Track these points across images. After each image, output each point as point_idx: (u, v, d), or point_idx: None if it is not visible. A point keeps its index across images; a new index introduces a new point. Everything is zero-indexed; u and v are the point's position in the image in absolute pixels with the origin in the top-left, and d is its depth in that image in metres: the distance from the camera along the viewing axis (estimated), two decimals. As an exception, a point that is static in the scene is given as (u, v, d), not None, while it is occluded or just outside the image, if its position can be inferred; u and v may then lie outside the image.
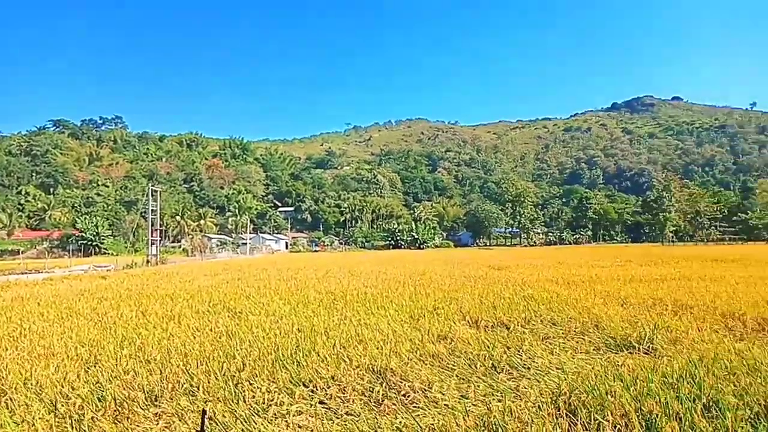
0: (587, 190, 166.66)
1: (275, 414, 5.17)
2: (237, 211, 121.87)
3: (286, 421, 5.00)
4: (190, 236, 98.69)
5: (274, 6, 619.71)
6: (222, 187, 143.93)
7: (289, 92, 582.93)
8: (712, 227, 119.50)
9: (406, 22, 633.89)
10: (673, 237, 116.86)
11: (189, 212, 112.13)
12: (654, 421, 4.35)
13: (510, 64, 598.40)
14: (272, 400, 5.45)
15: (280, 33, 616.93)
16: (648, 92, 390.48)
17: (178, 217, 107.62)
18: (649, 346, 7.36)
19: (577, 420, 4.54)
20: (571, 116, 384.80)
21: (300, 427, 4.91)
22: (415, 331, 8.66)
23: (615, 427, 4.37)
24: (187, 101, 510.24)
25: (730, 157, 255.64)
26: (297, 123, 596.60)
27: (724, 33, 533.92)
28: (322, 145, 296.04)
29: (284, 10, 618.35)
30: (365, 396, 5.71)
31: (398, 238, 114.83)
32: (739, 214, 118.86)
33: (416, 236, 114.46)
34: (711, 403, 4.62)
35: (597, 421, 4.44)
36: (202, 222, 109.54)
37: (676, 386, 5.00)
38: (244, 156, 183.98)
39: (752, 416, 4.41)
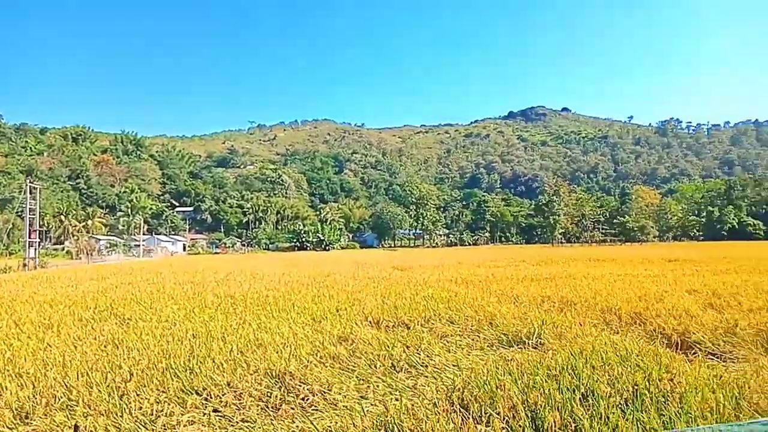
0: (485, 194, 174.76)
1: (164, 425, 4.89)
2: (129, 210, 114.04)
3: (176, 432, 4.74)
4: (75, 237, 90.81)
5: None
6: (113, 185, 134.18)
7: (188, 87, 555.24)
8: (596, 229, 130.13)
9: (310, 21, 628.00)
10: (561, 238, 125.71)
11: (74, 212, 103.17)
12: (538, 411, 4.63)
13: (414, 72, 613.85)
14: (161, 411, 5.15)
15: (178, 22, 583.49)
16: (541, 103, 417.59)
17: (61, 217, 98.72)
18: (537, 341, 7.84)
19: (470, 414, 4.73)
20: (471, 123, 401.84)
21: (191, 437, 4.68)
22: (317, 333, 8.59)
23: (504, 419, 4.59)
24: (73, 92, 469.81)
25: (612, 165, 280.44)
26: (197, 120, 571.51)
27: (606, 50, 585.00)
28: (224, 143, 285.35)
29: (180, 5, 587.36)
30: (262, 401, 5.57)
31: (304, 239, 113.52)
32: (618, 217, 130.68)
33: (322, 238, 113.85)
34: (588, 392, 5.01)
35: (488, 414, 4.65)
36: (89, 222, 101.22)
37: (558, 378, 5.36)
38: (138, 152, 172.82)
39: (622, 402, 4.84)
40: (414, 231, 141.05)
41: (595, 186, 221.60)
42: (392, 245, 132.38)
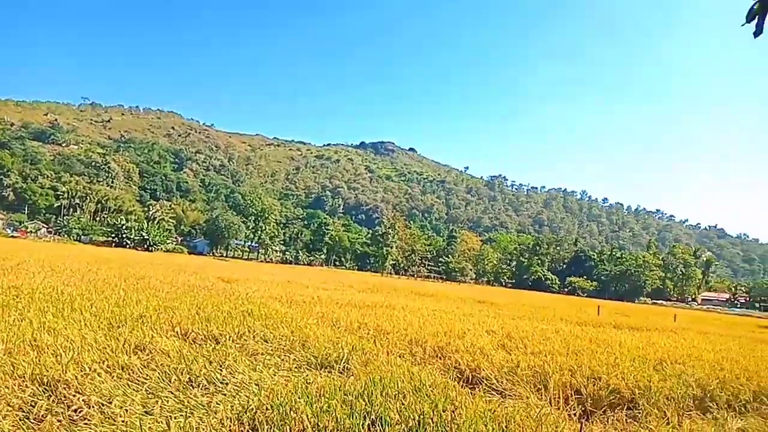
0: (327, 217, 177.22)
1: None
2: None
3: None
4: None
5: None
6: None
7: (6, 42, 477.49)
8: (423, 265, 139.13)
9: (175, 6, 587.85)
10: (391, 269, 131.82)
11: None
12: (327, 435, 4.66)
13: (276, 81, 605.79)
14: None
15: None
16: (391, 138, 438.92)
17: None
18: (344, 367, 7.96)
19: (258, 436, 4.59)
20: (324, 145, 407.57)
21: None
22: (111, 340, 7.74)
23: (292, 442, 4.54)
24: None
25: (445, 207, 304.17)
26: (14, 81, 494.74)
27: (450, 98, 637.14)
28: (46, 114, 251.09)
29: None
30: (23, 411, 4.82)
31: (124, 235, 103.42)
32: (444, 257, 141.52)
33: (146, 237, 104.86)
34: (377, 419, 5.18)
35: (277, 437, 4.56)
36: None
37: (353, 403, 5.48)
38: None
39: (407, 429, 5.09)
40: (250, 243, 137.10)
41: (428, 225, 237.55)
42: (224, 255, 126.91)
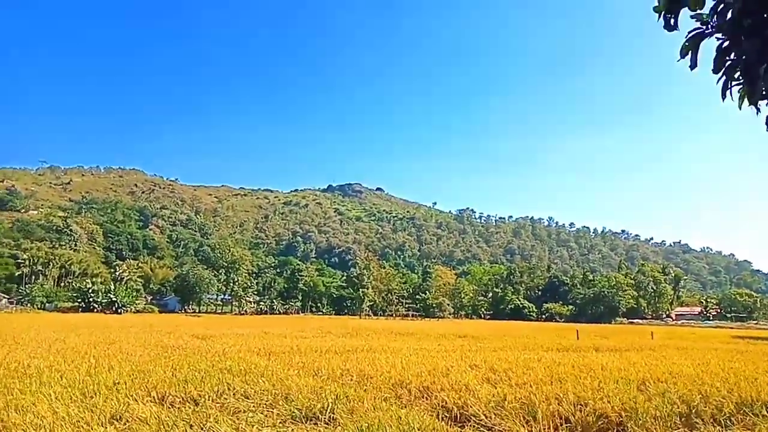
0: (300, 263, 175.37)
1: None
2: None
3: None
4: None
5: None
6: None
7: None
8: (400, 304, 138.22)
9: (127, 54, 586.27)
10: (369, 311, 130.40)
11: None
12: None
13: (235, 133, 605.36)
14: None
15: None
16: (358, 180, 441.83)
17: None
18: (330, 417, 7.79)
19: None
20: (291, 191, 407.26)
21: None
22: (85, 411, 7.42)
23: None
24: None
25: (417, 244, 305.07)
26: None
27: (418, 140, 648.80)
28: (2, 181, 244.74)
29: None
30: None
31: (91, 299, 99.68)
32: (420, 293, 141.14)
33: (114, 299, 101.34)
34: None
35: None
36: None
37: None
38: None
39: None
40: (223, 296, 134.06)
41: (401, 263, 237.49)
42: (197, 311, 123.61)
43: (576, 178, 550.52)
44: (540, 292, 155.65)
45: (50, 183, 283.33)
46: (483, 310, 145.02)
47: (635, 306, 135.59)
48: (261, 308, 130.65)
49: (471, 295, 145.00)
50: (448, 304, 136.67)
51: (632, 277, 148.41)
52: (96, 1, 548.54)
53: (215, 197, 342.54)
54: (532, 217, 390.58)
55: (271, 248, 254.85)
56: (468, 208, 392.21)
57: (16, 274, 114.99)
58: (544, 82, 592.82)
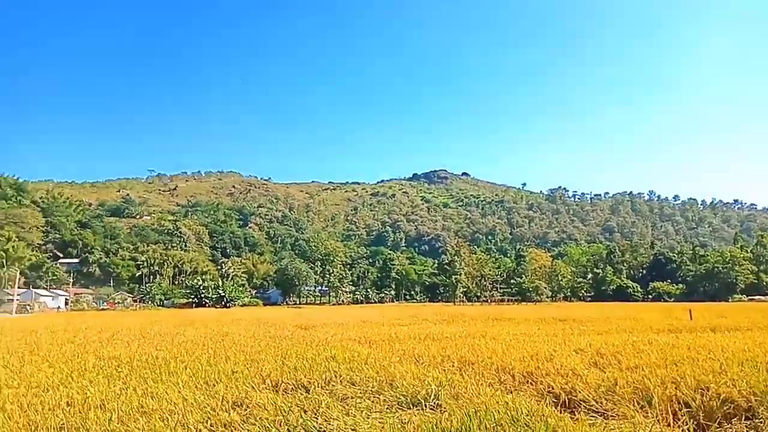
0: (391, 252, 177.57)
1: None
2: (3, 261, 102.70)
3: None
4: (-66, 291, 79.97)
5: (62, 32, 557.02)
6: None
7: (79, 130, 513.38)
8: (494, 289, 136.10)
9: (221, 73, 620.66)
10: (463, 297, 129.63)
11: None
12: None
13: (322, 129, 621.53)
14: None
15: (66, 58, 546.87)
16: (443, 166, 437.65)
17: None
18: (435, 403, 7.88)
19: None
20: (378, 182, 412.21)
21: None
22: (210, 398, 8.07)
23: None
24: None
25: (508, 228, 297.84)
26: (89, 165, 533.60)
27: (502, 121, 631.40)
28: (119, 191, 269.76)
29: (74, 36, 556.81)
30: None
31: (203, 295, 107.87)
32: (515, 278, 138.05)
33: (223, 294, 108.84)
34: (482, 454, 5.09)
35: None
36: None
37: (453, 440, 5.42)
38: (19, 197, 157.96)
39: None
40: (320, 288, 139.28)
41: (493, 248, 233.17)
42: (297, 302, 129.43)
43: (679, 147, 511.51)
44: (644, 271, 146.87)
45: (159, 190, 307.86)
46: (583, 292, 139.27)
47: (755, 281, 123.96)
48: (357, 298, 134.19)
49: (569, 277, 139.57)
50: (545, 288, 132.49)
51: (750, 250, 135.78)
52: (209, 21, 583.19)
53: (306, 193, 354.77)
54: (630, 192, 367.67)
55: (362, 239, 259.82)
56: (560, 187, 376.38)
57: (137, 274, 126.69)
58: (639, 44, 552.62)
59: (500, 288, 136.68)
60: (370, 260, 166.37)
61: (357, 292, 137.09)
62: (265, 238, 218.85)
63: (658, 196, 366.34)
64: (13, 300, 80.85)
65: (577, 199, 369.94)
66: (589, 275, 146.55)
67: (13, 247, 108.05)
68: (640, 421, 6.70)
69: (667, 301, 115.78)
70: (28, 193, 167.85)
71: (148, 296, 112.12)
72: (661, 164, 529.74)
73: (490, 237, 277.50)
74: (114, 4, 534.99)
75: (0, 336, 23.32)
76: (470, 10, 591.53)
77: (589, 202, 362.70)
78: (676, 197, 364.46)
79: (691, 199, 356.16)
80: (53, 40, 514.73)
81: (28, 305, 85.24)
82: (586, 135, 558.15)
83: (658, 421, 6.84)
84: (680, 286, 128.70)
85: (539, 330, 23.28)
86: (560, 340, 17.26)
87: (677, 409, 7.50)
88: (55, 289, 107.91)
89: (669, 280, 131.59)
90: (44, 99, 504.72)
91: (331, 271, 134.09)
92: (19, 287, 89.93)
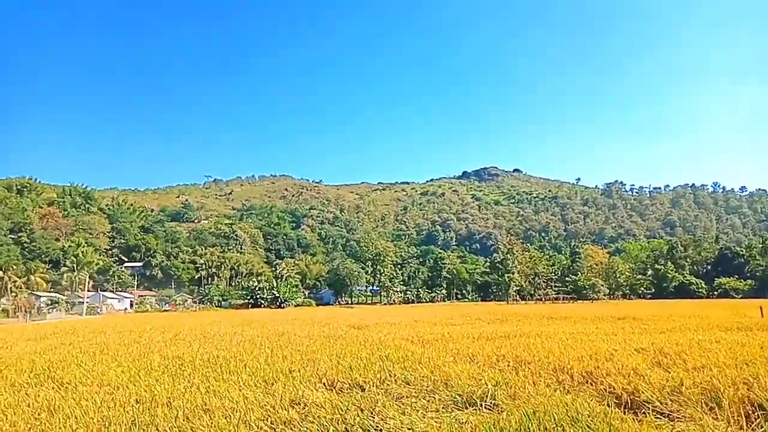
0: (442, 251, 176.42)
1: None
2: (74, 266, 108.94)
3: None
4: (14, 294, 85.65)
5: (123, 44, 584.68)
6: (58, 239, 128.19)
7: (142, 139, 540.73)
8: (549, 287, 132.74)
9: (272, 79, 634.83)
10: (516, 296, 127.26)
11: (14, 267, 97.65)
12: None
13: (371, 130, 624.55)
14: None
15: (129, 72, 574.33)
16: (493, 163, 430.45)
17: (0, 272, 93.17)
18: (491, 402, 7.81)
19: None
20: (427, 181, 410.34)
21: None
22: (269, 396, 8.31)
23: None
24: (17, 142, 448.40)
25: (562, 224, 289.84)
26: (150, 173, 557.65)
27: (554, 115, 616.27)
28: (178, 197, 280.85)
29: (134, 48, 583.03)
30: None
31: (258, 296, 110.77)
32: (570, 275, 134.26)
33: (277, 294, 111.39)
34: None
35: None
36: (30, 278, 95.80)
37: (512, 440, 5.36)
38: (87, 205, 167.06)
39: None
40: (371, 288, 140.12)
41: (546, 245, 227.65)
42: (349, 302, 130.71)
43: (747, 135, 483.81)
44: (709, 267, 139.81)
45: (215, 195, 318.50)
46: (642, 289, 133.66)
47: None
48: (408, 297, 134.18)
49: (627, 274, 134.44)
50: (602, 285, 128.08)
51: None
52: (265, 35, 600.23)
53: (356, 194, 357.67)
54: (693, 185, 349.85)
55: (413, 239, 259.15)
56: (617, 181, 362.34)
57: (196, 277, 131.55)
58: (707, 35, 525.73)
59: (555, 286, 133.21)
60: (421, 260, 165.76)
61: (408, 292, 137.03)
62: (317, 239, 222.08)
63: (723, 188, 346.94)
64: (83, 302, 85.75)
65: (635, 193, 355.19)
66: (649, 272, 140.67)
67: (82, 252, 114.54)
68: (709, 424, 6.40)
69: (734, 297, 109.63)
70: (96, 200, 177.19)
71: (207, 297, 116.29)
72: (726, 153, 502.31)
73: (543, 234, 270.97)
74: (181, 13, 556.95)
75: (73, 336, 24.75)
76: (525, 4, 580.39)
77: (648, 195, 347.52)
78: (742, 188, 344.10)
79: (760, 189, 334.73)
80: (111, 50, 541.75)
81: (97, 307, 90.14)
82: (644, 126, 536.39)
83: (728, 423, 6.52)
84: (749, 281, 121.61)
85: (597, 329, 22.60)
86: (620, 339, 16.71)
87: (750, 411, 7.13)
88: (120, 291, 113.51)
89: (737, 276, 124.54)
90: (110, 109, 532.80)
91: (381, 271, 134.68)
92: (88, 290, 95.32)
